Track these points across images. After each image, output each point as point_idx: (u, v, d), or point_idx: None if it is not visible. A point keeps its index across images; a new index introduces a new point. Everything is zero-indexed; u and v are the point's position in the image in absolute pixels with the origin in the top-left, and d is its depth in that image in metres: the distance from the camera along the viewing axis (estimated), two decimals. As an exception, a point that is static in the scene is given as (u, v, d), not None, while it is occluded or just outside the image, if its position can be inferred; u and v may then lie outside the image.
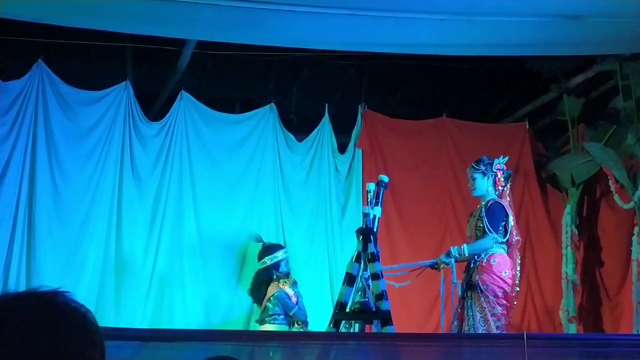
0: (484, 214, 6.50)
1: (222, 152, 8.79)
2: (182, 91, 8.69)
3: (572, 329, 8.58)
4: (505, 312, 6.35)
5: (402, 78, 9.39)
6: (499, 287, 6.31)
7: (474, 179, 6.66)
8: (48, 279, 7.84)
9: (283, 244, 8.32)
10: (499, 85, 9.54)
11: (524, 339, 4.82)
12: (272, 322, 7.42)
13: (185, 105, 8.68)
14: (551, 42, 7.02)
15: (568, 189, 9.01)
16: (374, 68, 9.08)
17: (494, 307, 6.30)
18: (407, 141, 9.30)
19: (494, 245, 6.41)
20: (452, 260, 6.45)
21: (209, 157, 8.74)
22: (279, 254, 7.73)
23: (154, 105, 8.97)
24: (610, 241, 8.84)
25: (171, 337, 5.08)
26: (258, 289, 7.63)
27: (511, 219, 6.52)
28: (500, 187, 6.62)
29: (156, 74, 8.86)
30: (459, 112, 9.49)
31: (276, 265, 7.65)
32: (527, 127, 9.46)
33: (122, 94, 8.44)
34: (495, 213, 6.46)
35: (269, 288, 7.55)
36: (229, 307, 8.47)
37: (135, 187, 8.43)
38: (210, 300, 8.44)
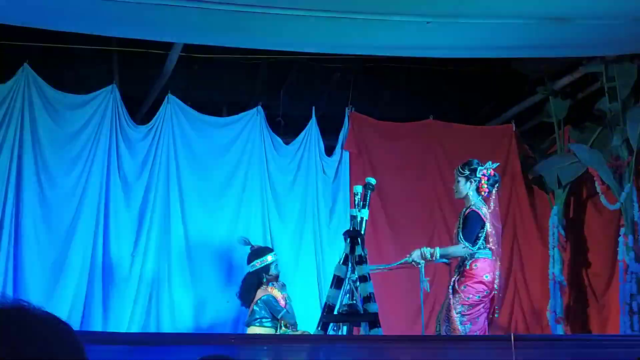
0: (461, 221, 6.54)
1: (209, 156, 8.78)
2: (169, 94, 8.68)
3: (560, 329, 8.61)
4: (473, 314, 6.34)
5: (389, 80, 9.41)
6: (476, 290, 6.32)
7: (457, 182, 6.67)
8: (34, 284, 7.82)
9: (271, 247, 8.32)
10: (486, 87, 9.56)
11: (511, 340, 4.83)
12: (258, 325, 7.40)
13: (172, 108, 8.67)
14: (538, 44, 7.04)
15: (554, 190, 9.04)
16: (361, 71, 9.10)
17: (462, 306, 6.31)
18: (395, 143, 9.31)
19: (478, 251, 6.43)
20: (422, 262, 6.46)
21: (196, 160, 8.73)
22: (269, 257, 7.68)
23: (141, 109, 8.95)
24: (596, 242, 8.88)
25: (159, 341, 5.07)
26: (247, 292, 7.59)
27: (488, 227, 6.51)
28: (484, 193, 6.61)
29: (143, 77, 8.84)
30: (446, 114, 9.51)
31: (266, 269, 7.60)
32: (514, 129, 9.50)
33: (108, 98, 8.42)
34: (470, 222, 6.46)
35: (258, 291, 7.52)
36: (216, 311, 8.45)
37: (122, 191, 8.41)
38: (198, 303, 8.43)
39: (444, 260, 6.63)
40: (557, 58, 8.16)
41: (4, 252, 7.83)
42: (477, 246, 6.40)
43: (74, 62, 8.63)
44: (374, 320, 5.90)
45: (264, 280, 7.55)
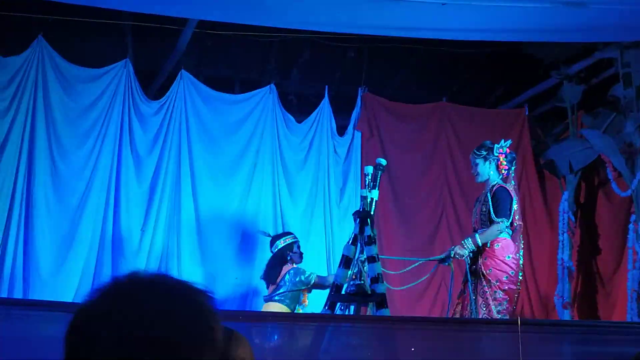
0: (489, 199, 6.47)
1: (221, 132, 8.79)
2: (182, 70, 8.69)
3: (567, 315, 8.61)
4: (507, 296, 6.34)
5: (402, 62, 9.38)
6: (502, 271, 6.31)
7: (476, 165, 6.64)
8: (45, 256, 7.87)
9: (282, 225, 8.40)
10: (499, 70, 9.52)
11: (518, 324, 4.84)
12: (277, 300, 7.34)
13: (185, 84, 8.68)
14: (553, 28, 6.99)
15: (566, 175, 9.02)
16: (375, 51, 9.06)
17: (495, 292, 6.30)
18: (406, 125, 9.30)
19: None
20: (466, 251, 6.39)
21: (208, 136, 8.74)
22: (289, 238, 7.70)
23: (154, 84, 8.96)
24: (606, 228, 8.87)
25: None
26: (272, 270, 7.51)
27: (515, 203, 6.52)
28: (504, 171, 6.60)
29: (156, 52, 8.84)
30: (459, 97, 9.48)
31: (289, 246, 7.58)
32: (527, 113, 9.47)
33: (122, 72, 8.43)
34: (501, 198, 6.44)
35: (283, 268, 7.48)
36: (225, 287, 8.49)
37: (133, 166, 8.44)
38: (206, 280, 8.45)
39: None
40: (572, 43, 8.11)
41: (14, 223, 7.88)
42: (509, 221, 6.40)
43: (88, 36, 8.62)
44: (381, 301, 5.91)
45: (288, 258, 7.54)
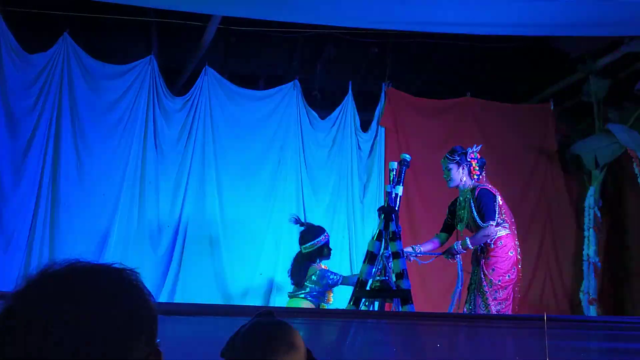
0: (473, 205, 6.50)
1: (245, 128, 8.81)
2: (206, 66, 8.71)
3: (593, 311, 8.55)
4: (506, 296, 6.33)
5: (426, 57, 9.35)
6: (505, 270, 6.30)
7: (449, 170, 6.63)
8: (70, 251, 7.91)
9: (305, 221, 8.34)
10: (525, 65, 9.46)
11: (543, 320, 4.81)
12: (302, 297, 7.28)
13: (209, 80, 8.70)
14: (579, 22, 6.93)
15: (591, 171, 8.95)
16: (398, 46, 9.04)
17: (496, 291, 6.29)
18: (430, 120, 9.26)
19: (498, 227, 6.41)
20: (458, 256, 6.45)
21: (232, 132, 8.76)
22: (322, 238, 7.35)
23: (178, 80, 8.99)
24: (633, 224, 8.80)
25: (191, 311, 5.11)
26: (299, 272, 7.39)
27: (499, 199, 6.49)
28: (475, 176, 6.59)
29: (181, 49, 8.88)
30: (484, 92, 9.43)
31: (319, 250, 7.39)
32: (552, 108, 9.40)
33: (146, 69, 8.47)
34: (485, 200, 6.43)
35: (310, 269, 7.34)
36: (249, 282, 8.51)
37: (158, 161, 8.48)
38: (230, 274, 8.48)
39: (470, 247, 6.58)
40: (598, 37, 8.04)
41: (40, 218, 7.94)
42: (496, 220, 6.39)
43: (113, 33, 8.68)
44: (406, 297, 5.90)
45: (317, 261, 7.41)
